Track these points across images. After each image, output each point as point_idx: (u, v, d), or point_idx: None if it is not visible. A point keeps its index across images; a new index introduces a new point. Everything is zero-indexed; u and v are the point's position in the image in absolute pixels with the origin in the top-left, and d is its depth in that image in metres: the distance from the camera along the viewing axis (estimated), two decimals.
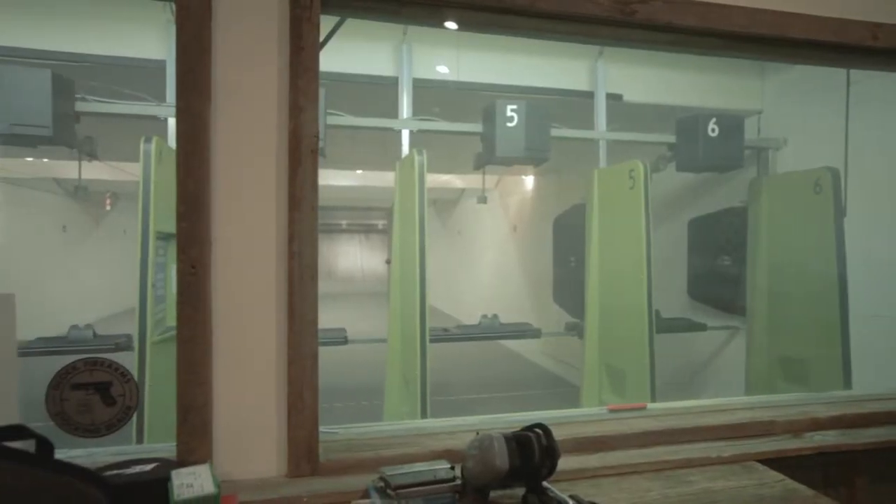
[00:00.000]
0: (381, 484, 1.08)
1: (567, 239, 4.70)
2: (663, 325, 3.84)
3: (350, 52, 3.67)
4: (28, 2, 3.32)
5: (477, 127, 3.81)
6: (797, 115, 3.99)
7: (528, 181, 8.83)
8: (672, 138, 4.03)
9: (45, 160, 7.55)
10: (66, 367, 1.16)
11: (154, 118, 3.42)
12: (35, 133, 2.98)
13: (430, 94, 4.17)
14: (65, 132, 3.16)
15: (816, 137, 3.78)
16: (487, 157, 3.75)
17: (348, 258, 18.75)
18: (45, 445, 0.95)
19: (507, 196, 9.69)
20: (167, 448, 1.21)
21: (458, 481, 1.10)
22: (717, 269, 4.26)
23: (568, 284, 4.67)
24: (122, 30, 3.51)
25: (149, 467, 1.09)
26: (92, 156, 3.75)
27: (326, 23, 1.30)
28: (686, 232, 4.58)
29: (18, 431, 0.93)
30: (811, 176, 3.43)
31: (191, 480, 0.97)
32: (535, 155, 3.66)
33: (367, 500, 1.07)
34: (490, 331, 4.18)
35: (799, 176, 3.56)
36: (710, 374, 4.68)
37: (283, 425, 1.17)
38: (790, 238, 3.60)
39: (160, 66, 3.40)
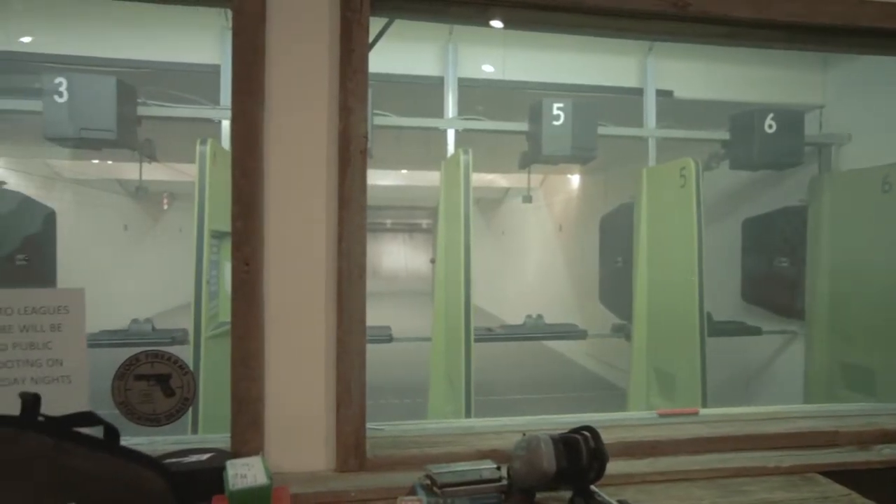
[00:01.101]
0: (428, 482, 1.09)
1: (614, 239, 4.60)
2: (715, 329, 3.71)
3: (395, 52, 3.71)
4: (96, 13, 3.50)
5: (523, 126, 3.79)
6: (863, 108, 3.78)
7: (574, 180, 8.70)
8: (726, 135, 3.89)
9: (110, 162, 7.95)
10: (129, 359, 1.22)
11: (209, 121, 3.55)
12: (101, 137, 3.14)
13: (475, 94, 4.16)
14: (127, 135, 3.32)
15: (884, 132, 3.57)
16: (533, 155, 3.72)
17: (392, 257, 18.96)
18: (111, 432, 1.00)
19: (552, 195, 9.57)
20: (221, 439, 1.25)
21: (504, 482, 1.10)
22: (774, 270, 4.08)
23: (615, 285, 4.57)
24: (179, 36, 3.66)
25: (205, 457, 1.13)
26: (151, 157, 3.92)
27: (375, 24, 1.32)
28: (740, 232, 4.41)
29: (88, 418, 0.99)
30: (878, 173, 3.24)
31: (245, 471, 1.00)
32: (581, 153, 3.61)
33: (413, 498, 1.08)
34: (535, 331, 4.15)
35: (865, 173, 3.37)
36: (765, 380, 4.50)
37: (331, 420, 1.19)
38: (855, 238, 3.42)
39: (215, 70, 3.53)
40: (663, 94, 3.97)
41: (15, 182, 6.43)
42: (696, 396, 3.23)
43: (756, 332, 4.08)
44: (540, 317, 4.25)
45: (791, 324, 4.09)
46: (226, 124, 3.52)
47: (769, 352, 4.41)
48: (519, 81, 3.97)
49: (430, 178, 9.12)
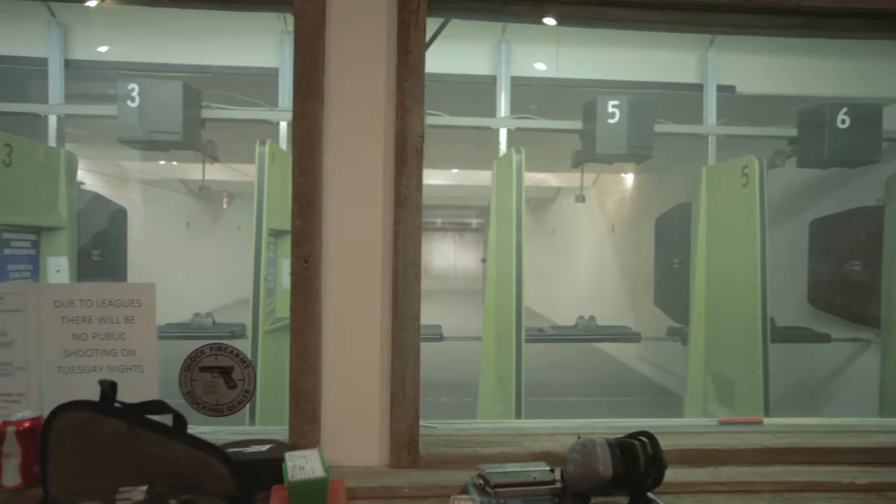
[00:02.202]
0: (481, 481, 1.09)
1: (670, 239, 4.46)
2: (779, 335, 3.54)
3: (448, 52, 3.72)
4: (165, 21, 3.67)
5: (576, 124, 3.73)
6: None
7: (628, 179, 8.49)
8: (793, 131, 3.70)
9: (174, 163, 8.34)
10: (195, 351, 1.27)
11: (267, 122, 3.67)
12: (168, 139, 3.30)
13: (527, 92, 4.13)
14: (192, 137, 3.47)
15: None
16: (587, 154, 3.65)
17: (442, 256, 19.04)
18: (180, 420, 1.05)
19: (605, 194, 9.38)
20: (279, 431, 1.29)
21: (558, 485, 1.08)
22: (845, 275, 3.85)
23: (670, 287, 4.43)
24: (240, 41, 3.80)
25: (264, 448, 1.17)
26: (213, 158, 4.09)
27: (430, 24, 1.33)
28: (807, 233, 4.18)
29: (159, 406, 1.04)
30: None
31: (302, 463, 1.03)
32: (637, 152, 3.52)
33: (466, 497, 1.08)
34: (587, 332, 4.08)
35: None
36: (834, 390, 4.25)
37: (385, 417, 1.21)
38: None
39: (273, 73, 3.65)
40: (725, 90, 3.82)
41: (90, 182, 6.83)
42: (758, 405, 3.09)
43: (824, 339, 3.86)
44: (592, 318, 4.17)
45: (864, 331, 3.85)
46: (283, 125, 3.64)
47: (839, 361, 4.17)
48: (572, 79, 3.91)
49: (480, 177, 9.11)
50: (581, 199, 4.96)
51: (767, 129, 3.87)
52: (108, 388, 1.03)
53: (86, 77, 3.88)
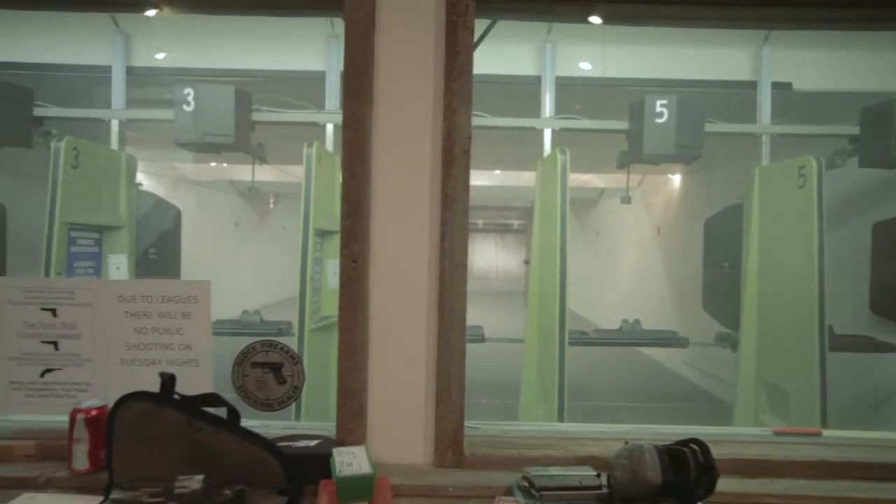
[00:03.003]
0: (526, 483, 1.09)
1: (720, 242, 4.31)
2: (837, 343, 3.37)
3: (491, 52, 3.72)
4: (218, 27, 3.81)
5: (622, 124, 3.66)
6: None
7: (675, 180, 8.27)
8: (855, 129, 3.52)
9: (225, 164, 8.62)
10: (247, 347, 1.32)
11: (314, 124, 3.75)
12: (221, 141, 3.43)
13: (572, 92, 4.08)
14: (243, 139, 3.59)
15: None
16: (633, 155, 3.58)
17: (483, 257, 19.01)
18: (233, 414, 1.09)
19: (651, 196, 9.16)
20: (326, 427, 1.32)
21: (605, 490, 1.07)
22: None
23: (720, 292, 4.29)
24: (289, 45, 3.90)
25: (313, 443, 1.20)
26: (262, 160, 4.21)
27: (477, 26, 1.33)
28: (870, 237, 3.97)
29: (214, 399, 1.08)
30: None
31: (350, 459, 1.05)
32: (686, 152, 3.43)
33: (511, 498, 1.08)
34: (632, 336, 4.00)
35: None
36: None
37: (430, 416, 1.22)
38: None
39: (320, 76, 3.73)
40: (780, 87, 3.67)
41: (147, 184, 7.14)
42: (815, 416, 2.95)
43: (888, 348, 3.66)
44: (637, 322, 4.09)
45: None
46: (330, 127, 3.72)
47: None
48: (619, 78, 3.85)
49: (523, 178, 9.05)
50: (627, 200, 4.86)
51: (827, 128, 3.70)
52: (168, 381, 1.08)
53: (144, 83, 4.06)
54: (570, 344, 3.14)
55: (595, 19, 1.42)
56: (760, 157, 3.65)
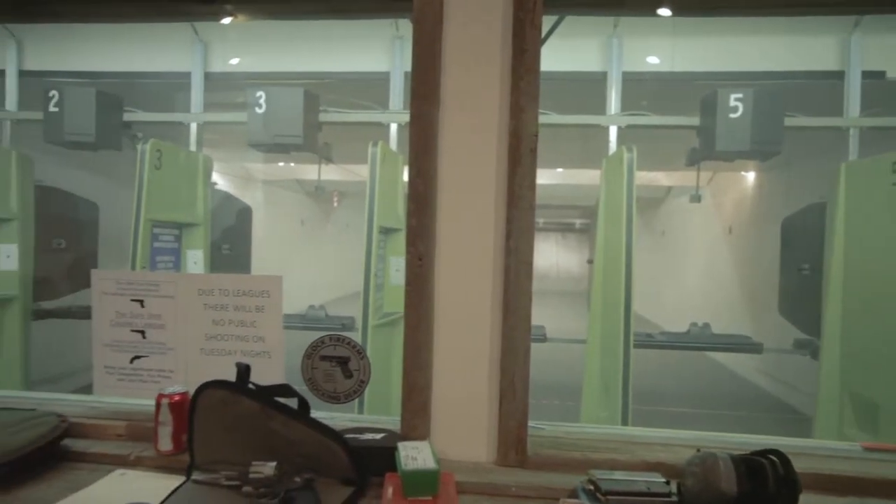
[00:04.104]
0: (591, 487, 1.07)
1: (799, 243, 4.07)
2: None
3: (556, 49, 3.66)
4: (288, 32, 3.96)
5: (693, 120, 3.52)
6: None
7: (749, 178, 7.86)
8: None
9: (292, 164, 8.94)
10: (316, 341, 1.36)
11: (378, 124, 3.83)
12: (290, 142, 3.56)
13: (639, 88, 3.96)
14: (310, 140, 3.72)
15: None
16: (704, 152, 3.43)
17: (544, 256, 18.77)
18: (304, 404, 1.13)
19: (722, 194, 8.75)
20: (390, 421, 1.34)
21: (674, 498, 1.03)
22: None
23: (799, 295, 4.04)
24: (355, 47, 3.99)
25: (378, 436, 1.22)
26: (328, 159, 4.34)
27: (545, 22, 1.31)
28: None
29: (286, 390, 1.12)
30: None
31: (414, 454, 1.07)
32: (763, 148, 3.25)
33: (576, 501, 1.06)
34: (700, 340, 3.84)
35: None
36: None
37: (493, 414, 1.22)
38: None
39: (385, 76, 3.80)
40: (872, 76, 3.41)
41: (220, 183, 7.51)
42: None
43: None
44: (706, 325, 3.92)
45: None
46: (394, 127, 3.78)
47: None
48: (690, 72, 3.70)
49: (586, 176, 8.87)
50: (696, 198, 4.67)
51: None
52: (244, 371, 1.13)
53: (220, 87, 4.28)
54: (635, 346, 3.05)
55: (665, 11, 1.37)
56: (847, 153, 3.41)
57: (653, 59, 3.85)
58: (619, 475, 1.07)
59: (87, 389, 1.50)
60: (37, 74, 4.20)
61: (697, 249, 9.73)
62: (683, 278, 10.18)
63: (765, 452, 1.00)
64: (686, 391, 6.68)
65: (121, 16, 1.41)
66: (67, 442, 1.24)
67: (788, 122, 3.29)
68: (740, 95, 3.20)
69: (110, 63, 4.18)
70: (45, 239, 4.20)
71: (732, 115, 3.21)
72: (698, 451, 1.04)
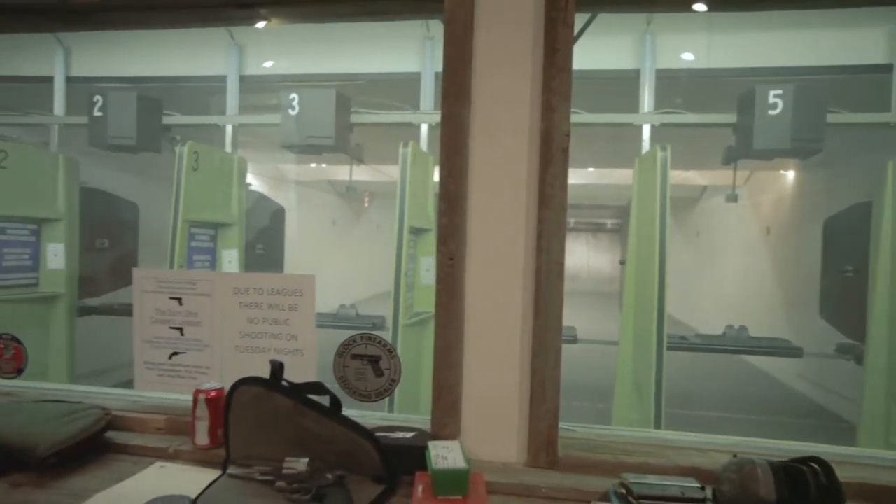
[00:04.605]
0: (623, 490, 1.05)
1: (843, 244, 3.92)
2: None
3: (587, 47, 3.61)
4: (320, 35, 4.01)
5: (730, 117, 3.43)
6: None
7: (788, 176, 7.62)
8: None
9: (324, 165, 9.06)
10: (347, 340, 1.38)
11: (409, 125, 3.85)
12: (322, 143, 3.61)
13: (672, 85, 3.88)
14: (342, 141, 3.76)
15: None
16: (741, 150, 3.35)
17: (575, 256, 18.56)
18: (336, 402, 1.14)
19: (760, 193, 8.51)
20: (420, 420, 1.35)
21: None
22: None
23: (841, 298, 3.90)
24: (386, 48, 4.03)
25: (409, 435, 1.23)
26: (359, 160, 4.38)
27: (577, 20, 1.30)
28: None
29: (319, 388, 1.14)
30: None
31: (445, 453, 1.07)
32: (803, 146, 3.15)
33: None
34: (737, 343, 3.74)
35: None
36: None
37: (524, 415, 1.21)
38: None
39: (416, 77, 3.81)
40: None
41: (254, 184, 7.66)
42: None
43: None
44: (743, 328, 3.82)
45: None
46: (424, 127, 3.79)
47: None
48: (726, 69, 3.60)
49: (618, 175, 8.74)
50: (733, 198, 4.55)
51: None
52: (278, 368, 1.15)
53: (254, 90, 4.37)
54: (669, 348, 3.00)
55: (700, 6, 1.34)
56: (894, 150, 3.27)
57: (687, 56, 3.77)
58: (651, 479, 1.05)
59: (128, 384, 1.55)
60: (82, 80, 4.36)
61: (734, 250, 9.49)
62: (719, 280, 9.94)
63: (806, 460, 0.97)
64: (721, 395, 6.52)
65: (163, 22, 1.46)
66: (110, 434, 1.28)
67: (831, 118, 3.17)
68: (780, 91, 3.11)
69: (151, 68, 4.31)
70: (88, 238, 4.36)
71: (771, 112, 3.12)
72: (735, 456, 1.02)
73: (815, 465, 0.94)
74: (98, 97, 4.00)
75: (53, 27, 1.48)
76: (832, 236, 4.08)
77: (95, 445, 1.24)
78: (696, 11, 1.40)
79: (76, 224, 4.19)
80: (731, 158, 3.60)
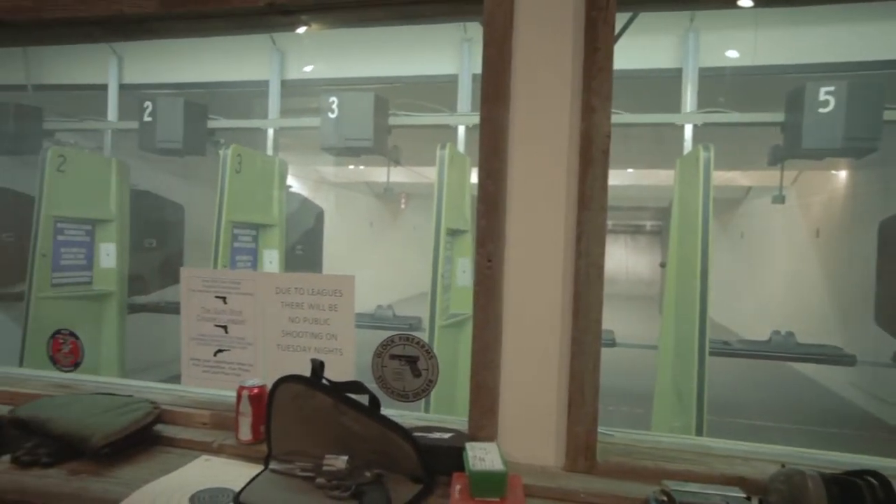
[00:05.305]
0: (664, 498, 1.03)
1: None
2: None
3: (628, 46, 3.55)
4: (359, 38, 4.07)
5: (777, 116, 3.31)
6: None
7: (839, 176, 7.31)
8: None
9: (361, 167, 9.18)
10: (386, 340, 1.39)
11: (446, 127, 3.86)
12: (361, 145, 3.66)
13: (715, 84, 3.78)
14: (380, 143, 3.81)
15: None
16: (789, 149, 3.23)
17: (613, 259, 18.23)
18: (374, 401, 1.16)
19: (809, 194, 8.19)
20: (458, 421, 1.35)
21: None
22: None
23: None
24: (423, 51, 4.05)
25: (446, 435, 1.23)
26: (397, 162, 4.42)
27: (617, 20, 1.28)
28: None
29: (358, 387, 1.15)
30: None
31: (482, 455, 1.07)
32: (857, 145, 3.02)
33: None
34: (783, 350, 3.61)
35: None
36: None
37: (562, 418, 1.20)
38: None
39: (453, 79, 3.83)
40: None
41: (294, 186, 7.82)
42: None
43: None
44: (790, 334, 3.68)
45: None
46: (461, 129, 3.80)
47: None
48: (774, 66, 3.48)
49: (658, 176, 8.56)
50: (780, 199, 4.39)
51: None
52: (318, 367, 1.18)
53: (295, 94, 4.47)
54: (711, 354, 2.91)
55: (746, 2, 1.31)
56: None
57: (732, 54, 3.67)
58: (694, 487, 1.03)
59: (173, 380, 1.61)
60: (134, 87, 4.55)
61: (780, 253, 9.16)
62: (764, 284, 9.61)
63: (861, 473, 0.93)
64: (766, 403, 6.30)
65: (211, 30, 1.51)
66: (159, 427, 1.33)
67: (888, 115, 3.03)
68: (832, 88, 2.98)
69: (197, 74, 4.46)
70: (137, 238, 4.54)
71: (822, 110, 2.99)
72: (783, 466, 0.98)
73: (872, 479, 0.90)
74: (148, 103, 4.16)
75: (110, 37, 1.54)
76: (888, 239, 3.90)
77: (145, 438, 1.29)
78: (741, 7, 1.36)
79: (127, 225, 4.36)
80: (778, 158, 3.48)
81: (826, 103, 2.99)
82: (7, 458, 1.18)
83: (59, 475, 1.13)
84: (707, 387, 2.90)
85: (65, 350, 1.60)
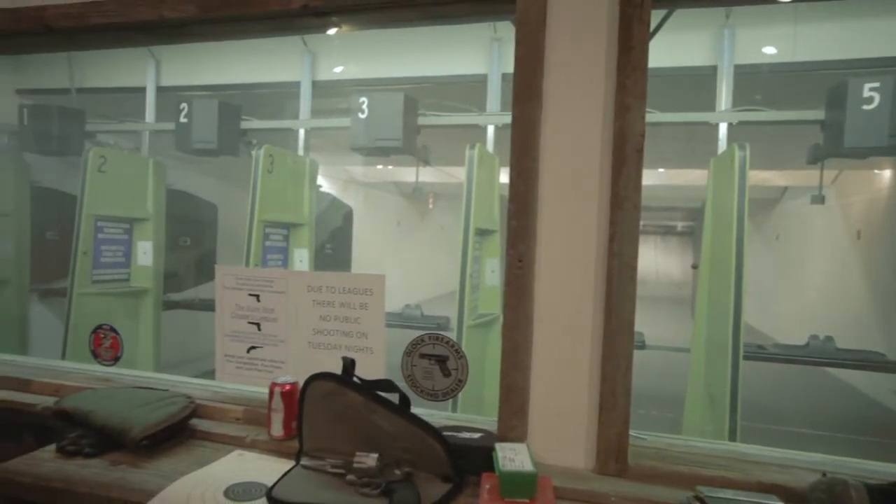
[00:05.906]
0: (698, 503, 1.01)
1: None
2: None
3: (661, 44, 3.49)
4: (389, 39, 4.10)
5: (817, 114, 3.21)
6: None
7: (883, 176, 7.05)
8: None
9: (390, 167, 9.24)
10: (416, 339, 1.40)
11: (475, 126, 3.86)
12: (390, 145, 3.68)
13: (750, 81, 3.68)
14: (409, 143, 3.82)
15: None
16: (830, 148, 3.12)
17: (643, 260, 17.85)
18: (404, 400, 1.16)
19: (849, 195, 7.92)
20: (487, 421, 1.35)
21: None
22: None
23: None
24: (453, 51, 4.06)
25: (476, 435, 1.23)
26: (426, 162, 4.43)
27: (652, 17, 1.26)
28: None
29: (388, 385, 1.16)
30: None
31: (512, 455, 1.07)
32: None
33: None
34: (822, 355, 3.50)
35: None
36: None
37: (593, 421, 1.19)
38: None
39: (482, 79, 3.82)
40: None
41: (324, 186, 7.91)
42: None
43: None
44: (829, 339, 3.57)
45: None
46: (491, 129, 3.79)
47: None
48: (814, 62, 3.38)
49: (690, 176, 8.40)
50: (819, 199, 4.26)
51: None
52: (350, 365, 1.19)
53: (326, 94, 4.52)
54: (746, 358, 2.84)
55: None
56: None
57: (769, 50, 3.57)
58: (729, 493, 1.01)
59: (204, 376, 1.65)
60: (171, 90, 4.67)
61: (819, 255, 8.88)
62: (800, 286, 9.33)
63: None
64: (803, 410, 6.12)
65: (245, 33, 1.54)
66: (194, 421, 1.37)
67: None
68: (877, 84, 2.87)
69: (230, 76, 4.56)
70: (173, 237, 4.66)
71: (866, 107, 2.89)
72: (824, 475, 0.95)
73: None
74: (184, 105, 4.27)
75: (152, 42, 1.59)
76: None
77: (181, 431, 1.32)
78: (779, 2, 1.32)
79: (162, 223, 4.48)
80: (817, 157, 3.37)
81: (870, 100, 2.88)
82: (52, 447, 1.23)
83: (101, 465, 1.17)
84: (741, 391, 2.83)
85: (106, 345, 1.66)
